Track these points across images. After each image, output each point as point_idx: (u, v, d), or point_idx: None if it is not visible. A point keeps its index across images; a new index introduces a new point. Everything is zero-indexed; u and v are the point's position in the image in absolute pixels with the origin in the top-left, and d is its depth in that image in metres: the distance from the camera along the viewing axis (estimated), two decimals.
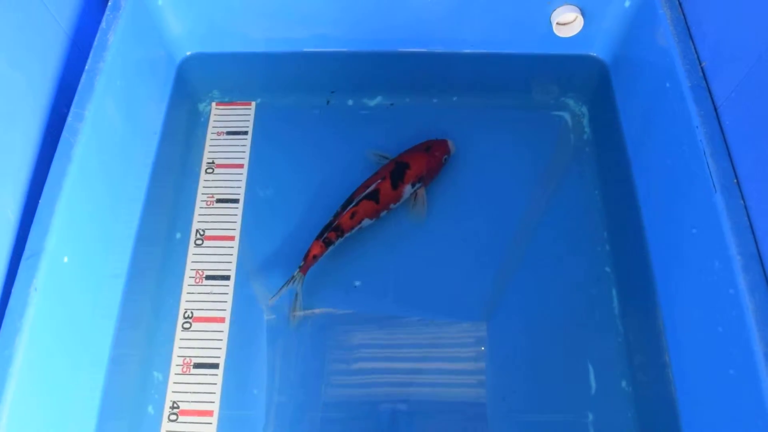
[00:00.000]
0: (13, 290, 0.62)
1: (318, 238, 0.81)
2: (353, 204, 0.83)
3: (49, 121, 0.73)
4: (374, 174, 0.86)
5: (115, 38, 0.75)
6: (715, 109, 0.71)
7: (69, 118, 0.70)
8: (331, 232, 0.82)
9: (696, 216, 0.69)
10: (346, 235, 0.83)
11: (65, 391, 0.67)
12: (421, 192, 0.87)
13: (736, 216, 0.65)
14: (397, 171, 0.85)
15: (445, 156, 0.88)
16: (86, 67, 0.73)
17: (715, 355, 0.66)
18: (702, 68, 0.73)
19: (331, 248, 0.82)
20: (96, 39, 0.75)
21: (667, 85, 0.75)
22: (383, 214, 0.85)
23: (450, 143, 0.88)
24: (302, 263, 0.80)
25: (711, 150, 0.68)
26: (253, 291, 0.83)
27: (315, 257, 0.81)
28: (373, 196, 0.83)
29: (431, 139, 0.89)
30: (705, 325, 0.67)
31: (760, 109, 0.65)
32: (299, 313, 0.81)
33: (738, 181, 0.67)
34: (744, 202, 0.66)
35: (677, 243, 0.73)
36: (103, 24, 0.76)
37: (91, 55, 0.74)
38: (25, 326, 0.60)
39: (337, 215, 0.83)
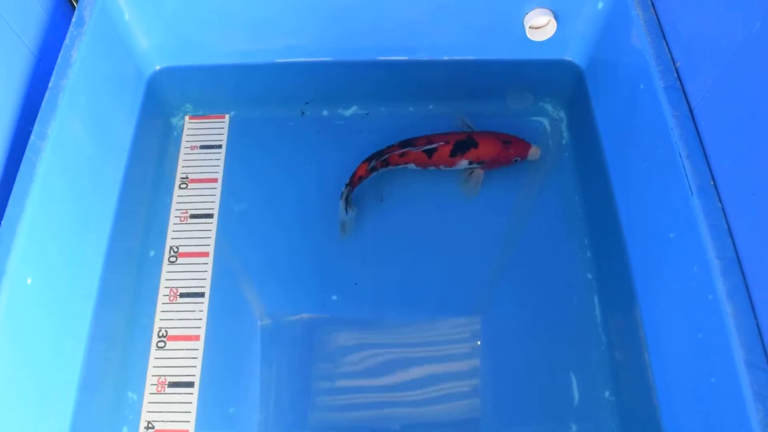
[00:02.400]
0: None
1: (365, 161, 0.85)
2: (409, 147, 0.85)
3: (13, 140, 0.71)
4: (446, 133, 0.87)
5: (79, 54, 0.74)
6: (691, 110, 0.70)
7: (32, 137, 0.69)
8: (378, 161, 0.85)
9: (674, 220, 0.68)
10: (390, 167, 0.87)
11: (33, 416, 0.65)
12: (479, 173, 0.87)
13: (714, 219, 0.63)
14: (463, 144, 0.85)
15: (517, 158, 0.87)
16: (50, 85, 0.71)
17: (696, 363, 0.64)
18: (676, 69, 0.72)
19: (374, 174, 0.86)
20: (60, 56, 0.73)
21: (642, 86, 0.74)
22: (431, 169, 0.88)
23: (533, 150, 0.87)
24: (349, 182, 0.84)
25: (687, 152, 0.67)
26: (228, 307, 0.81)
27: (360, 178, 0.85)
28: (429, 152, 0.85)
29: (519, 138, 0.87)
30: (685, 331, 0.66)
31: (735, 109, 0.64)
32: (348, 223, 0.85)
33: (715, 183, 0.65)
34: (721, 204, 0.64)
35: (656, 248, 0.72)
36: (67, 40, 0.75)
37: (54, 72, 0.72)
38: None
39: (390, 148, 0.86)
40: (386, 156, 0.85)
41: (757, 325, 0.59)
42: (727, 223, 0.63)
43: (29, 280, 0.64)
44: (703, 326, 0.63)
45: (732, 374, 0.58)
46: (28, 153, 0.68)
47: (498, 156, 0.86)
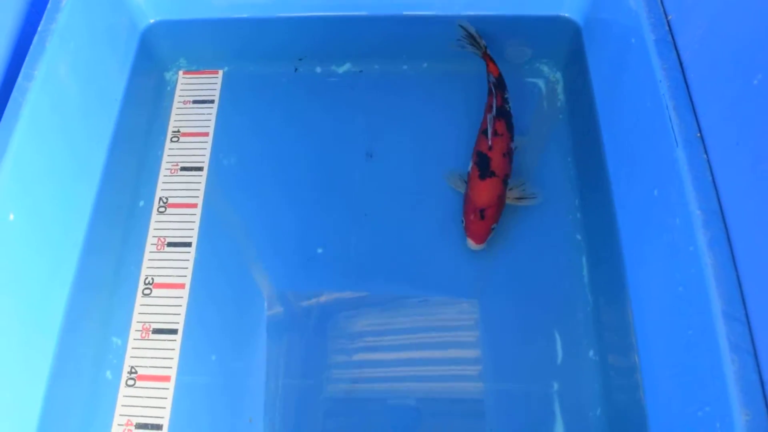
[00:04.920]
0: None
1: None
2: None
3: (2, 84, 0.72)
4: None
5: (68, 1, 0.75)
6: (681, 63, 0.68)
7: (19, 78, 0.70)
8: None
9: (659, 174, 0.67)
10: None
11: (16, 356, 0.67)
12: None
13: (698, 171, 0.62)
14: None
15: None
16: (39, 29, 0.72)
17: (675, 317, 0.63)
18: (668, 22, 0.71)
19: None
20: (49, 1, 0.74)
21: (633, 41, 0.73)
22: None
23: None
24: None
25: (674, 103, 0.66)
26: (214, 257, 0.82)
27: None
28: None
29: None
30: (667, 286, 0.65)
31: (723, 60, 0.62)
32: None
33: (701, 135, 0.64)
34: (707, 156, 0.63)
35: (642, 205, 0.71)
36: None
37: (44, 16, 0.73)
38: None
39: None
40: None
41: (737, 276, 0.58)
42: (712, 176, 0.62)
43: (11, 216, 0.65)
44: (683, 279, 0.62)
45: (709, 326, 0.57)
46: (15, 93, 0.69)
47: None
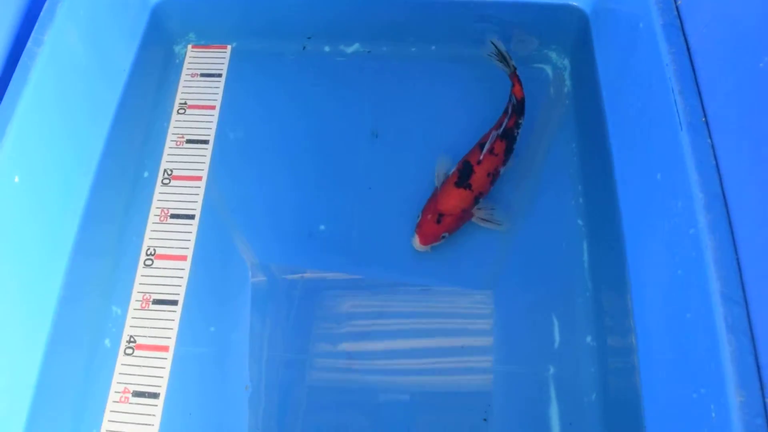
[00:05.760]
0: None
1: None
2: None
3: (12, 49, 0.73)
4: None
5: None
6: (688, 48, 0.68)
7: (29, 43, 0.70)
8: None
9: (663, 158, 0.67)
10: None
11: (16, 319, 0.67)
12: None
13: (701, 154, 0.62)
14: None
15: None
16: None
17: (674, 300, 0.63)
18: (677, 7, 0.70)
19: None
20: None
21: (641, 25, 0.73)
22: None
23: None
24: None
25: (680, 87, 0.65)
26: (216, 230, 0.82)
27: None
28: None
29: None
30: (667, 270, 0.65)
31: (730, 44, 0.62)
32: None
33: (706, 120, 0.64)
34: (711, 140, 0.63)
35: (644, 190, 0.71)
36: None
37: None
38: None
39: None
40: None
41: (737, 259, 0.58)
42: (716, 160, 0.62)
43: (17, 179, 0.66)
44: (683, 262, 0.62)
45: (707, 308, 0.57)
46: (23, 57, 0.69)
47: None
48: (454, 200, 0.79)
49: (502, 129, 0.80)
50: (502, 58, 0.83)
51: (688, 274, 0.61)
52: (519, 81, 0.82)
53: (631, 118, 0.74)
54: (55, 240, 0.73)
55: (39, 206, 0.70)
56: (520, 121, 0.82)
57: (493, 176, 0.80)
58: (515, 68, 0.82)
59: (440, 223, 0.78)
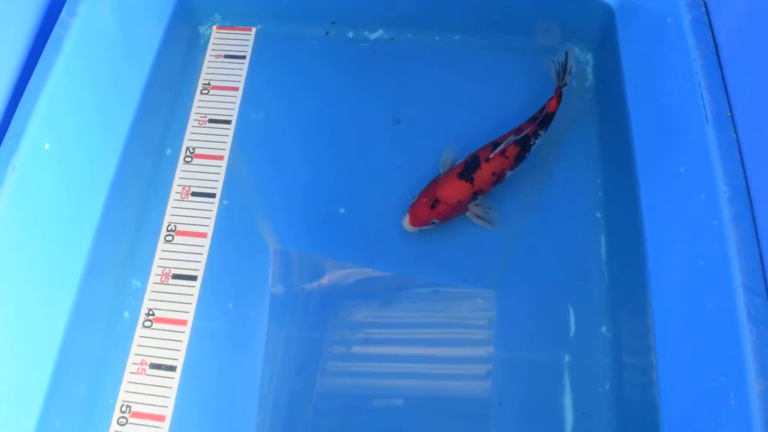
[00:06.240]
0: None
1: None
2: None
3: (44, 19, 0.73)
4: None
5: None
6: (715, 44, 0.69)
7: (62, 13, 0.71)
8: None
9: (687, 150, 0.68)
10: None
11: (40, 288, 0.68)
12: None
13: (727, 148, 0.63)
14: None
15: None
16: None
17: (694, 291, 0.64)
18: (705, 3, 0.71)
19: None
20: None
21: (669, 20, 0.73)
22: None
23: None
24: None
25: (707, 82, 0.66)
26: (237, 209, 0.83)
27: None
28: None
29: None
30: (688, 261, 0.66)
31: (759, 42, 0.63)
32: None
33: (732, 115, 0.65)
34: (737, 135, 0.64)
35: (667, 181, 0.71)
36: None
37: None
38: (1, 201, 0.61)
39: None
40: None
41: (759, 252, 0.59)
42: (741, 156, 0.63)
43: (47, 146, 0.66)
44: (705, 253, 0.63)
45: (729, 298, 0.58)
46: (57, 28, 0.70)
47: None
48: (452, 190, 0.79)
49: (521, 135, 0.81)
50: (562, 71, 0.83)
51: (710, 265, 0.62)
52: (560, 98, 0.82)
53: (655, 112, 0.75)
54: (81, 212, 0.74)
55: (67, 178, 0.71)
56: (540, 133, 0.82)
57: (498, 177, 0.81)
58: (565, 85, 0.83)
59: (433, 209, 0.78)
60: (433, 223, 0.79)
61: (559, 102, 0.82)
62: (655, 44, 0.76)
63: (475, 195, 0.80)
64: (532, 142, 0.81)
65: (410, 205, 0.80)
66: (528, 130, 0.81)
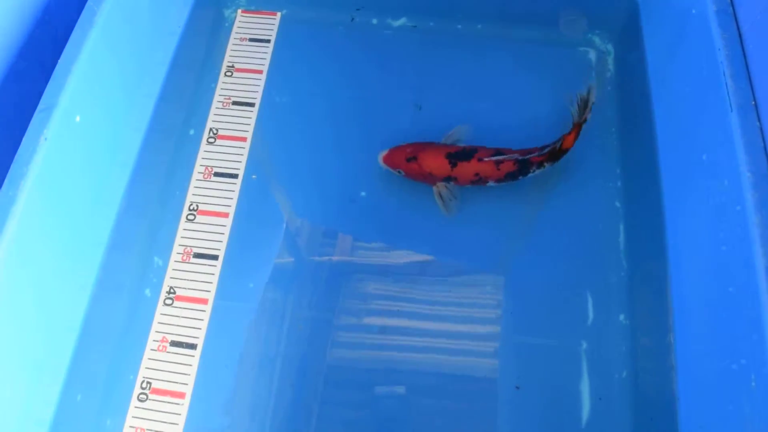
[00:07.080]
0: (23, 139, 0.63)
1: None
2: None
3: None
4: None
5: None
6: (740, 35, 0.69)
7: None
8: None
9: (709, 138, 0.68)
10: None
11: (63, 262, 0.68)
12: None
13: (751, 135, 0.63)
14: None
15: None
16: None
17: (715, 275, 0.64)
18: None
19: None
20: None
21: (693, 11, 0.74)
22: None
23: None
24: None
25: (732, 71, 0.67)
26: (259, 189, 0.84)
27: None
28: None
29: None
30: (709, 246, 0.66)
31: None
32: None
33: (756, 104, 0.65)
34: (760, 123, 0.64)
35: (689, 169, 0.72)
36: None
37: None
38: (32, 173, 0.61)
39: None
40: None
41: None
42: (764, 142, 0.64)
43: (78, 118, 0.67)
44: (727, 238, 0.63)
45: (752, 282, 0.58)
46: (89, 2, 0.70)
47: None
48: (432, 161, 0.81)
49: (524, 157, 0.80)
50: (583, 106, 0.80)
51: (733, 250, 0.62)
52: (578, 133, 0.81)
53: (678, 101, 0.76)
54: (106, 188, 0.75)
55: (93, 153, 0.72)
56: (546, 164, 0.81)
57: (479, 180, 0.81)
58: (585, 121, 0.81)
59: (408, 162, 0.81)
60: (399, 172, 0.82)
61: (576, 138, 0.81)
62: (679, 34, 0.77)
63: (448, 179, 0.82)
64: (532, 170, 0.81)
65: (396, 145, 0.82)
66: (534, 155, 0.80)
